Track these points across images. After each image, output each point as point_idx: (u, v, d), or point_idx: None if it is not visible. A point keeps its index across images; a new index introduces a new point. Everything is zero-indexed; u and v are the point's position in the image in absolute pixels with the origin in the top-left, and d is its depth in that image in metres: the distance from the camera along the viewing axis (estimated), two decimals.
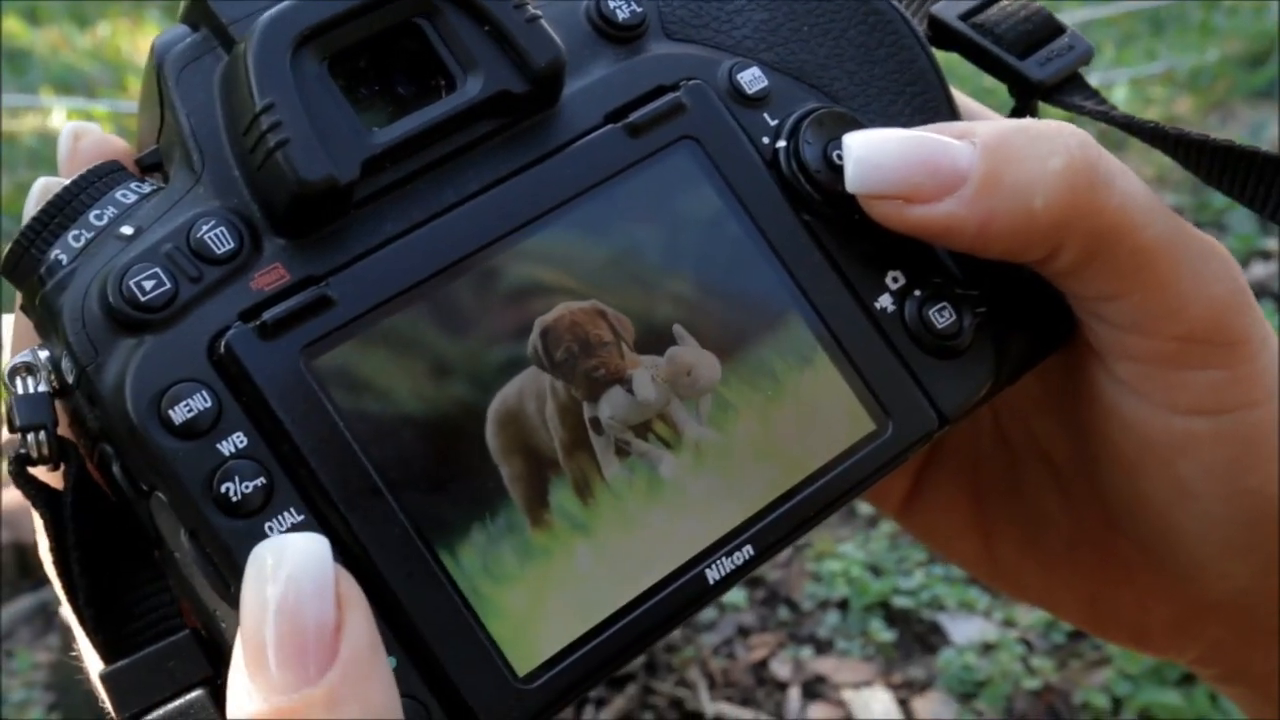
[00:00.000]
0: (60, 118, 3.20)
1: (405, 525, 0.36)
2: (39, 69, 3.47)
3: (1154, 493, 0.45)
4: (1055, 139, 0.41)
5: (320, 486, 0.35)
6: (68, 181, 0.39)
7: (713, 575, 0.39)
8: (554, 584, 0.38)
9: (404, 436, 0.37)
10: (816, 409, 0.41)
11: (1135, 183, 0.42)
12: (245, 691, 0.32)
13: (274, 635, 0.32)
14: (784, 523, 0.40)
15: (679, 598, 0.39)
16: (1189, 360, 0.42)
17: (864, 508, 1.73)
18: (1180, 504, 0.45)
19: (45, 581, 1.85)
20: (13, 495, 1.97)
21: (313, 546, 0.33)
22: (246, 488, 0.34)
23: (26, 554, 1.86)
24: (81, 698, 1.49)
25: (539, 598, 0.38)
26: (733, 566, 0.39)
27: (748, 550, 0.39)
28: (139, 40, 3.77)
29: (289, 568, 0.33)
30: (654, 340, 0.40)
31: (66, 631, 1.69)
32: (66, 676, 1.61)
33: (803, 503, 0.40)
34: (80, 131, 0.42)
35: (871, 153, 0.41)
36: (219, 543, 0.34)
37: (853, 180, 0.41)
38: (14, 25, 3.59)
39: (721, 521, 0.40)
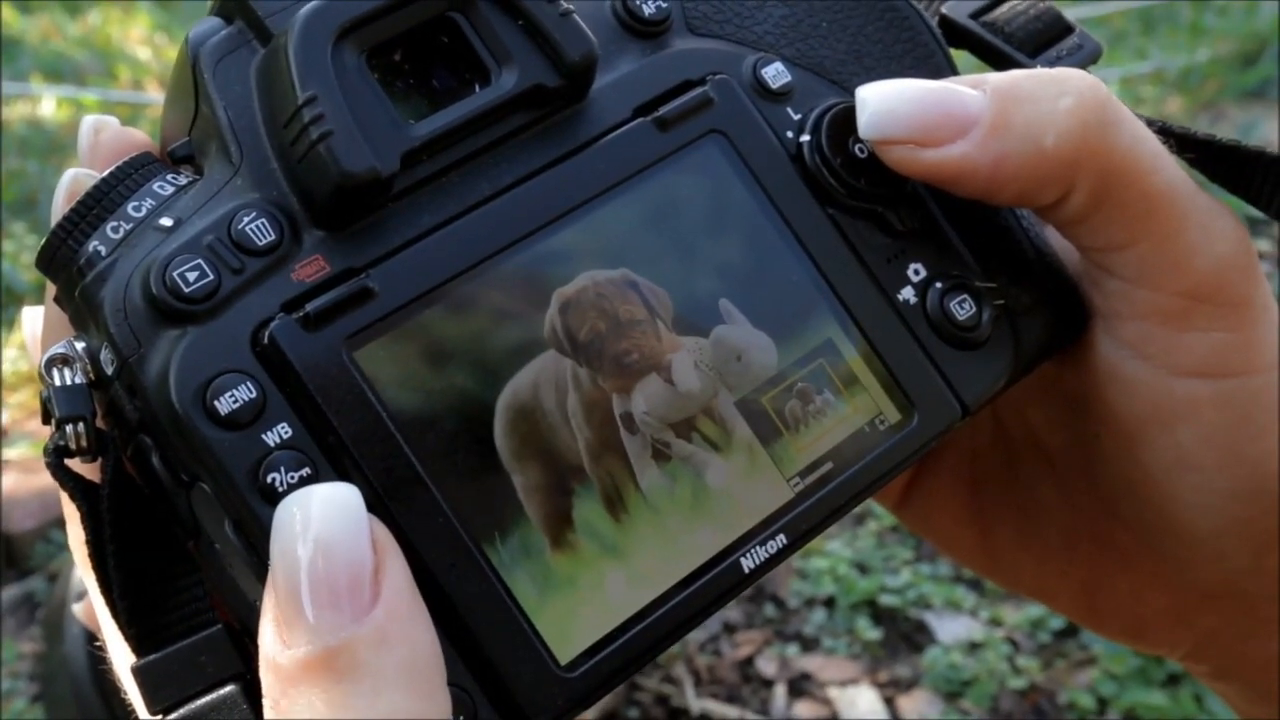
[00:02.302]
0: (50, 106, 3.19)
1: (448, 515, 0.36)
2: (29, 57, 3.46)
3: (1153, 465, 0.45)
4: (1066, 81, 0.41)
5: (364, 476, 0.35)
6: (97, 175, 0.39)
7: (747, 564, 0.39)
8: (592, 577, 0.38)
9: (446, 427, 0.37)
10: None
11: (1144, 130, 0.42)
12: (280, 641, 0.32)
13: (313, 580, 0.32)
14: (815, 512, 0.41)
15: (716, 586, 0.39)
16: (1193, 320, 0.42)
17: None
18: (1179, 475, 0.45)
19: (31, 572, 1.85)
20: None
21: (341, 492, 0.33)
22: (291, 478, 0.35)
23: (12, 544, 1.86)
24: (67, 688, 1.49)
25: (579, 588, 0.38)
26: (766, 555, 0.40)
27: (781, 539, 0.40)
28: (129, 29, 3.76)
29: (320, 513, 0.33)
30: (696, 318, 0.40)
31: (49, 624, 1.68)
32: (51, 668, 1.60)
33: (832, 492, 0.41)
34: (100, 125, 0.42)
35: (885, 99, 0.41)
36: (265, 533, 0.34)
37: (867, 127, 0.42)
38: (4, 12, 3.57)
39: (755, 511, 0.40)
